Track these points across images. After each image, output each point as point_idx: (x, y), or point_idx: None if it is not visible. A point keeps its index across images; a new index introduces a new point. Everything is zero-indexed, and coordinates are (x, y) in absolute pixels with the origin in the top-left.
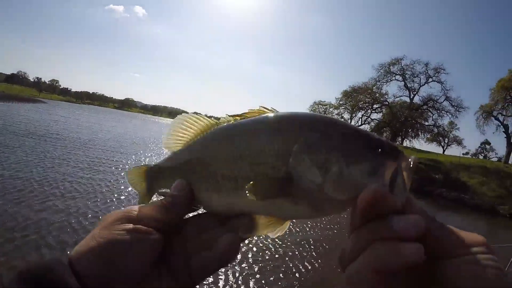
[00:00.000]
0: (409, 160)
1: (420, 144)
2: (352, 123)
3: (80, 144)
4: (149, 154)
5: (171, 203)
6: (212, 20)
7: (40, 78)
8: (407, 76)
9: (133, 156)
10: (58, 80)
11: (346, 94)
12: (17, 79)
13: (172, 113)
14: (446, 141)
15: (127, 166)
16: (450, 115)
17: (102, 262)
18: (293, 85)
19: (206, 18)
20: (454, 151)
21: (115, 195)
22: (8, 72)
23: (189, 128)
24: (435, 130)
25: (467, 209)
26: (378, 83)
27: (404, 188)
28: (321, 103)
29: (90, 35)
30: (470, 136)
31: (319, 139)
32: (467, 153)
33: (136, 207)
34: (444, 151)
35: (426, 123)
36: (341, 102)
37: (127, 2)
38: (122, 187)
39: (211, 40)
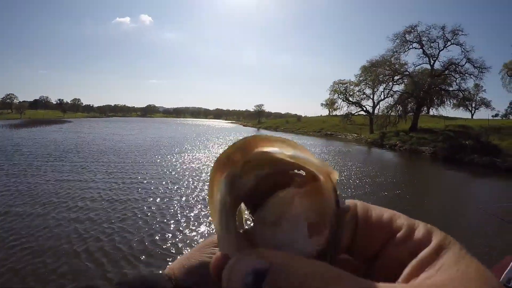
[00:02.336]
0: None
1: (447, 111)
2: (375, 97)
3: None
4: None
5: None
6: (220, 17)
7: (62, 99)
8: (424, 42)
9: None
10: (79, 99)
11: (365, 70)
12: (40, 104)
13: (194, 113)
14: (473, 105)
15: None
16: (474, 78)
17: (193, 276)
18: (310, 69)
19: (212, 16)
20: (483, 114)
21: None
22: (31, 99)
23: None
24: (461, 94)
25: (501, 173)
26: (395, 53)
27: None
28: (341, 82)
29: (103, 50)
30: (499, 97)
31: None
32: (496, 115)
33: None
34: (472, 115)
35: (451, 89)
36: (361, 79)
37: (132, 12)
38: None
39: (221, 37)
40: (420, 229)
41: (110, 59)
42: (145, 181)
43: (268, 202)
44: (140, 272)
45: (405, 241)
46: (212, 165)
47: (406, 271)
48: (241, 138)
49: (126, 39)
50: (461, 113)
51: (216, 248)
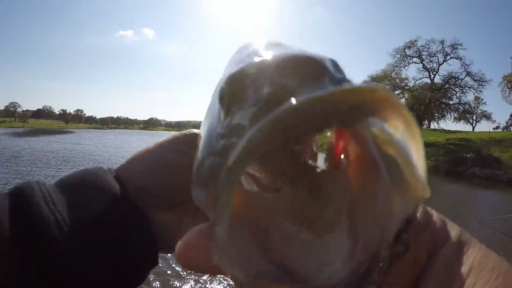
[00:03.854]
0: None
1: (448, 124)
2: None
3: None
4: None
5: None
6: (223, 31)
7: (65, 110)
8: (424, 57)
9: None
10: (82, 110)
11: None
12: (43, 113)
13: (196, 126)
14: (474, 118)
15: None
16: (474, 90)
17: (149, 176)
18: None
19: (216, 29)
20: (484, 126)
21: None
22: (34, 108)
23: None
24: (461, 108)
25: (502, 185)
26: (396, 68)
27: None
28: None
29: (106, 62)
30: (500, 109)
31: None
32: (497, 127)
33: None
34: (473, 128)
35: (451, 102)
36: None
37: (134, 25)
38: None
39: (224, 51)
40: (436, 217)
41: (113, 71)
42: None
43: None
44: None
45: (422, 232)
46: None
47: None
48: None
49: (129, 52)
50: (462, 126)
51: (183, 144)
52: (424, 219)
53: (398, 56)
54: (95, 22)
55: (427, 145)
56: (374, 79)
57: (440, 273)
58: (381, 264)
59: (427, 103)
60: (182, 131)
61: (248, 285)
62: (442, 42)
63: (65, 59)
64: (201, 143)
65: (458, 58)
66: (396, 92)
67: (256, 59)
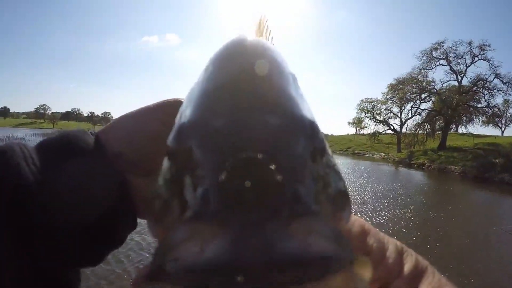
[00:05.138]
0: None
1: (476, 128)
2: (402, 116)
3: None
4: None
5: None
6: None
7: (93, 112)
8: (451, 59)
9: None
10: (110, 112)
11: (392, 87)
12: (72, 116)
13: None
14: (503, 122)
15: None
16: (502, 93)
17: (128, 144)
18: (333, 87)
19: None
20: None
21: None
22: (63, 110)
23: None
24: (490, 111)
25: None
26: (422, 71)
27: None
28: (368, 100)
29: (131, 67)
30: None
31: None
32: None
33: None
34: (502, 132)
35: (479, 105)
36: (388, 97)
37: (160, 31)
38: None
39: None
40: (391, 250)
41: (138, 76)
42: None
43: None
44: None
45: (376, 267)
46: None
47: None
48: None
49: (153, 57)
50: (491, 131)
51: (165, 114)
52: (379, 254)
53: (424, 58)
54: (120, 28)
55: (455, 149)
56: (401, 82)
57: None
58: None
59: (455, 106)
60: (166, 99)
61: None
62: (469, 43)
63: (92, 65)
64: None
65: (486, 59)
66: (423, 95)
67: (208, 116)
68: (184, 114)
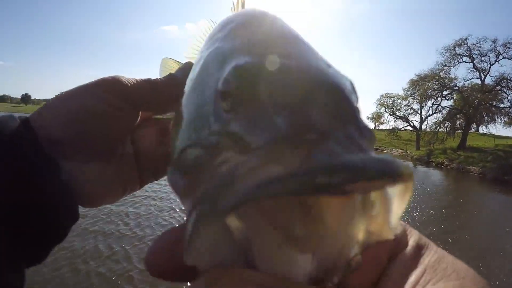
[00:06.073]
0: None
1: (497, 129)
2: (422, 113)
3: None
4: None
5: (166, 84)
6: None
7: None
8: (475, 56)
9: None
10: None
11: (413, 83)
12: None
13: None
14: None
15: None
16: None
17: (66, 125)
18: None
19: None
20: None
21: None
22: None
23: None
24: None
25: None
26: (445, 67)
27: None
28: (388, 95)
29: (152, 55)
30: None
31: None
32: None
33: (125, 78)
34: None
35: (502, 106)
36: (408, 93)
37: (178, 21)
38: None
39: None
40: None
41: (158, 64)
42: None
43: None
44: None
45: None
46: None
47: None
48: None
49: (173, 46)
50: None
51: (105, 91)
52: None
53: (447, 54)
54: (139, 18)
55: (475, 150)
56: (422, 78)
57: (397, 275)
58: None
59: (477, 105)
60: (102, 77)
61: (215, 273)
62: (494, 41)
63: (112, 53)
64: (186, 121)
65: (511, 58)
66: (445, 92)
67: (271, 57)
68: (241, 57)
